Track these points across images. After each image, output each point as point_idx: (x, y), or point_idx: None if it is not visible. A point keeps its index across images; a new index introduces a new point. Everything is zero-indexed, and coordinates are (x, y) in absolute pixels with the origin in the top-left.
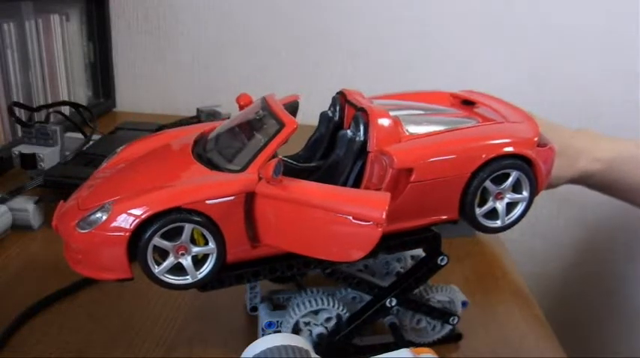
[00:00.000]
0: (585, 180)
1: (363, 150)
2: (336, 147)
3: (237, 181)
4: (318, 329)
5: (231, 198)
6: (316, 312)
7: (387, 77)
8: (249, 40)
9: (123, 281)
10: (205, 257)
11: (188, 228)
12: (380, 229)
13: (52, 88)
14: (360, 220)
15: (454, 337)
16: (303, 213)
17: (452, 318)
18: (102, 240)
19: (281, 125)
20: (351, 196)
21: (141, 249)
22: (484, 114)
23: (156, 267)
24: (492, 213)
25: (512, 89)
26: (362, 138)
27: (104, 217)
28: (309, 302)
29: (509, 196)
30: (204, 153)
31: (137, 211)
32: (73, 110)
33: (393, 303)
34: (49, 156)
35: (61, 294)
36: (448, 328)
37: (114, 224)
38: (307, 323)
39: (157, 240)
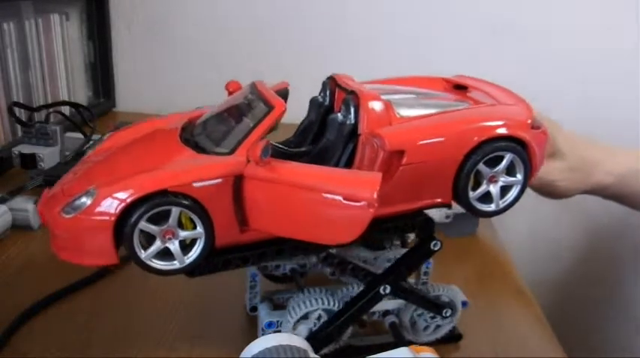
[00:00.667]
0: (599, 192)
1: (353, 134)
2: (327, 132)
3: (225, 164)
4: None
5: (219, 180)
6: (329, 311)
7: (383, 72)
8: (249, 40)
9: (109, 266)
10: (193, 242)
11: (175, 211)
12: (371, 210)
13: (52, 88)
14: (351, 201)
15: (454, 337)
16: (293, 195)
17: (445, 311)
18: (87, 224)
19: (270, 108)
20: (342, 176)
21: (127, 234)
22: (477, 98)
23: (142, 251)
24: (487, 197)
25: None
26: (352, 122)
27: (89, 202)
28: (309, 301)
29: (503, 179)
30: (192, 138)
31: (122, 195)
32: (73, 110)
33: (387, 291)
34: (49, 156)
35: (61, 294)
36: (448, 328)
37: (99, 208)
38: (319, 318)
39: (143, 224)
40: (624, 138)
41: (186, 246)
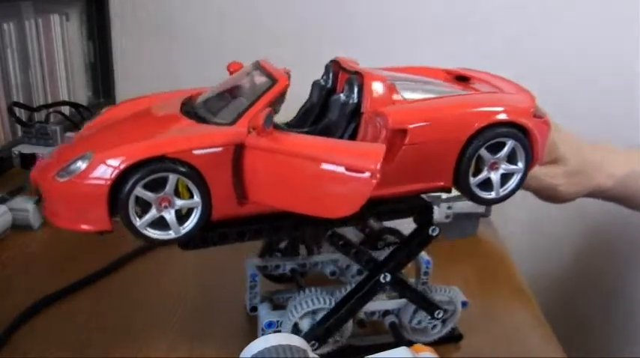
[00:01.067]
0: (599, 194)
1: (356, 113)
2: (328, 112)
3: (226, 133)
4: None
5: (220, 149)
6: None
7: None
8: (251, 40)
9: (102, 233)
10: (189, 213)
11: (172, 178)
12: (374, 181)
13: (52, 88)
14: (354, 171)
15: (454, 337)
16: (294, 165)
17: (437, 312)
18: (82, 189)
19: (273, 81)
20: (345, 147)
21: (122, 200)
22: (479, 89)
23: (137, 220)
24: (487, 185)
25: None
26: (355, 101)
27: (84, 166)
28: (310, 301)
29: (504, 167)
30: (193, 110)
31: (119, 159)
32: (73, 110)
33: (388, 279)
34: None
35: (61, 294)
36: (448, 328)
37: (94, 172)
38: None
39: (139, 191)
40: (625, 137)
41: (181, 217)
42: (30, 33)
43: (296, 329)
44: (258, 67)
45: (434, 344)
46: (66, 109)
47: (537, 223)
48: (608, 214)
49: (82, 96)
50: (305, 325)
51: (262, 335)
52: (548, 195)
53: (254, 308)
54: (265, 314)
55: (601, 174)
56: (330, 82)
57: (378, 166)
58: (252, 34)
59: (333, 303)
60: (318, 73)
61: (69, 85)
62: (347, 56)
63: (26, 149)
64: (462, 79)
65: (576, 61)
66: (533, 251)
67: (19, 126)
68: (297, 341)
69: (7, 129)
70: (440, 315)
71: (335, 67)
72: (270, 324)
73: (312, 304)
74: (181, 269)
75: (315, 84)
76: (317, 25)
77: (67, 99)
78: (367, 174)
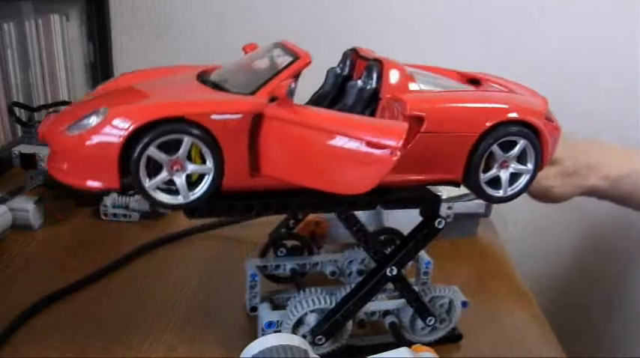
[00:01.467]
0: (594, 194)
1: (373, 99)
2: (344, 98)
3: (245, 101)
4: None
5: (238, 116)
6: None
7: None
8: (251, 40)
9: (109, 191)
10: (199, 181)
11: (187, 141)
12: (394, 158)
13: (52, 87)
14: (375, 147)
15: (454, 337)
16: (313, 138)
17: (429, 319)
18: (93, 144)
19: (295, 57)
20: (367, 123)
21: (134, 158)
22: (492, 90)
23: (147, 180)
24: (495, 183)
25: None
26: (373, 86)
27: (99, 120)
28: (310, 301)
29: (513, 166)
30: (209, 81)
31: (134, 117)
32: None
33: (394, 273)
34: None
35: (61, 294)
36: (448, 328)
37: (108, 128)
38: None
39: (152, 150)
40: (625, 137)
41: (191, 185)
42: (30, 33)
43: (302, 325)
44: (279, 46)
45: (434, 344)
46: None
47: (537, 223)
48: (608, 214)
49: (82, 96)
50: (311, 320)
51: (262, 335)
52: (544, 196)
53: (254, 308)
54: (265, 314)
55: (596, 176)
56: (347, 69)
57: (400, 143)
58: (252, 34)
59: (333, 303)
60: (318, 73)
61: (69, 85)
62: None
63: (26, 149)
64: (473, 81)
65: (576, 61)
66: (533, 251)
67: (19, 126)
68: (297, 341)
69: (7, 129)
70: (431, 322)
71: (353, 55)
72: (270, 324)
73: (312, 304)
74: (181, 269)
75: (331, 71)
76: (317, 25)
77: (67, 99)
78: (387, 151)
